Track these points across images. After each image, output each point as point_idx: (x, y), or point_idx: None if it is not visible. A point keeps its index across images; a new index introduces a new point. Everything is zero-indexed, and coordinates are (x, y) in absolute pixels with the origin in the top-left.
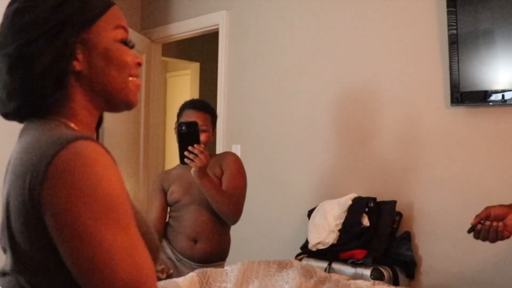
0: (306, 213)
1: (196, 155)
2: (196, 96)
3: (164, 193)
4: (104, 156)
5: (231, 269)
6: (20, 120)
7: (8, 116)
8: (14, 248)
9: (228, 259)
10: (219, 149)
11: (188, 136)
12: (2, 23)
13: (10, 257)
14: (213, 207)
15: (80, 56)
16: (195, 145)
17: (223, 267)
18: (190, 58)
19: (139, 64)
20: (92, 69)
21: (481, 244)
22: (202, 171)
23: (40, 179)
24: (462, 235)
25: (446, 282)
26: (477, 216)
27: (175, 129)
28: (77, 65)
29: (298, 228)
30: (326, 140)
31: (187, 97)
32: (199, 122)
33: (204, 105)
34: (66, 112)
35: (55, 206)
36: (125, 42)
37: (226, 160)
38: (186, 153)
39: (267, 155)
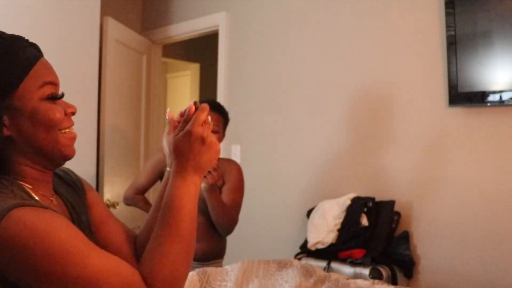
0: (305, 212)
1: (209, 172)
2: (196, 97)
3: (160, 175)
4: (38, 211)
5: (231, 268)
6: None
7: None
8: None
9: (228, 258)
10: None
11: None
12: None
13: None
14: (212, 219)
15: (7, 122)
16: None
17: (221, 265)
18: (190, 59)
19: (72, 113)
20: (21, 133)
21: (479, 244)
22: (213, 188)
23: None
24: (460, 234)
25: (444, 281)
26: None
27: None
28: (6, 131)
29: (298, 228)
30: (325, 140)
31: (187, 98)
32: (212, 122)
33: (218, 106)
34: (16, 173)
35: (17, 275)
36: (54, 97)
37: (230, 171)
38: None
39: (267, 155)
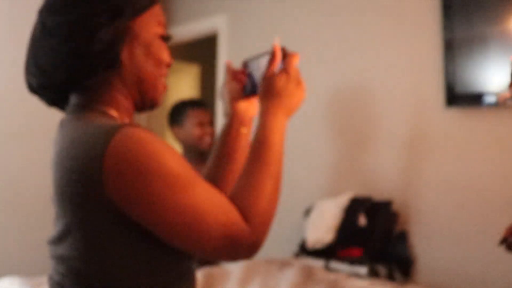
0: (304, 212)
1: None
2: None
3: None
4: (149, 133)
5: (233, 269)
6: (54, 94)
7: (40, 89)
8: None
9: None
10: None
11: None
12: None
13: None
14: None
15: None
16: None
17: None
18: (190, 60)
19: (169, 66)
20: (132, 59)
21: (477, 243)
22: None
23: (98, 170)
24: (458, 234)
25: (442, 280)
26: (508, 227)
27: (170, 125)
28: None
29: (296, 227)
30: (323, 140)
31: None
32: (208, 119)
33: (205, 103)
34: (105, 99)
35: (125, 192)
36: (166, 38)
37: None
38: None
39: None
